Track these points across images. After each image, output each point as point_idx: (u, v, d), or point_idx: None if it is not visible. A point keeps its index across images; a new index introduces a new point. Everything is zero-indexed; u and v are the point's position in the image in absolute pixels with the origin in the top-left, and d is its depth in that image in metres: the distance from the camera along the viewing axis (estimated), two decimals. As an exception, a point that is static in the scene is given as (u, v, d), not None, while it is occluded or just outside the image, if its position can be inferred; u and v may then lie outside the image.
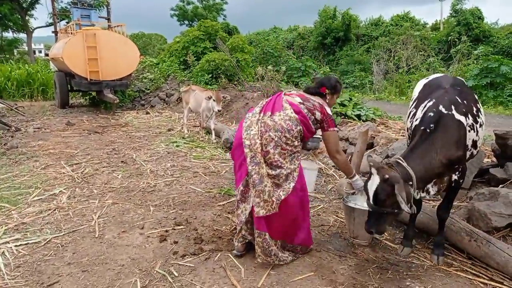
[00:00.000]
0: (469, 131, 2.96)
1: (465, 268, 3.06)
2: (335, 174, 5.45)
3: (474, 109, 3.10)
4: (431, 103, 3.05)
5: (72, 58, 10.52)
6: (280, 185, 3.00)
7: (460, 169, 2.94)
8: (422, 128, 2.91)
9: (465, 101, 3.06)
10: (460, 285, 2.85)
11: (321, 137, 3.45)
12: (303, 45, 28.45)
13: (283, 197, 2.98)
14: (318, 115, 3.12)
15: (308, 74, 17.76)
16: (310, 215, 3.41)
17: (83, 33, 10.62)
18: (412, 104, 3.44)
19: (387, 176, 2.65)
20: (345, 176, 3.41)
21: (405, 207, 2.57)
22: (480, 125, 3.11)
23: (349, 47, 26.02)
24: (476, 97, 3.36)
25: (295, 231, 3.18)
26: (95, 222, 3.83)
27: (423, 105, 3.13)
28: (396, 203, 2.65)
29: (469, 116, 2.99)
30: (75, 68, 10.61)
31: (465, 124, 2.91)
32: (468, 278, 2.93)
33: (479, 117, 3.11)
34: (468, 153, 3.05)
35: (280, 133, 2.99)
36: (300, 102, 3.15)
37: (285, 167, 3.00)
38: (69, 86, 12.02)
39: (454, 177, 2.96)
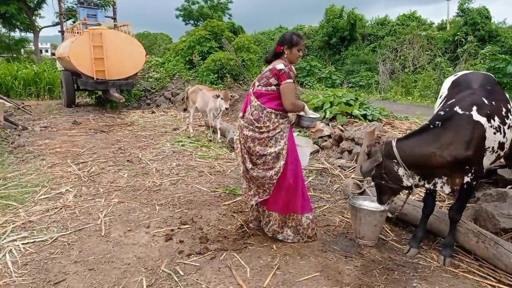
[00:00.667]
0: (494, 133, 2.94)
1: (472, 270, 3.03)
2: (340, 174, 5.43)
3: (504, 110, 3.08)
4: (450, 102, 3.04)
5: (79, 57, 10.58)
6: (272, 167, 3.30)
7: (473, 171, 2.91)
8: (427, 123, 3.04)
9: (493, 102, 3.04)
10: (467, 287, 2.82)
11: (316, 115, 3.56)
12: (309, 45, 28.35)
13: (275, 178, 3.30)
14: (273, 80, 3.28)
15: (313, 74, 17.71)
16: (305, 184, 3.70)
17: (89, 32, 10.68)
18: (439, 102, 3.46)
19: (368, 149, 3.14)
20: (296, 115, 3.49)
21: (366, 174, 3.12)
22: (509, 127, 3.08)
23: (354, 46, 25.89)
24: (507, 97, 3.33)
25: (293, 200, 3.40)
26: (101, 220, 3.85)
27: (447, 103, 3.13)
28: (380, 175, 3.09)
29: (495, 117, 2.97)
30: (81, 67, 10.66)
31: (485, 126, 2.88)
32: (476, 280, 2.91)
33: (508, 118, 3.08)
34: (493, 155, 3.04)
35: (250, 127, 3.29)
36: (257, 85, 3.34)
37: (268, 153, 3.27)
38: (75, 85, 12.08)
39: (467, 178, 2.93)
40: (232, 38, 14.85)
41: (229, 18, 36.07)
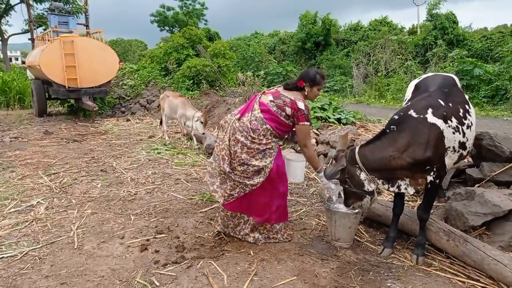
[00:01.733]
0: (453, 133, 3.05)
1: (444, 268, 3.11)
2: (316, 178, 5.48)
3: (461, 110, 3.20)
4: (405, 105, 3.16)
5: (50, 65, 10.35)
6: (250, 178, 3.32)
7: (434, 170, 3.01)
8: (383, 128, 3.17)
9: (450, 104, 3.15)
10: (439, 284, 2.90)
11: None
12: (284, 50, 28.64)
13: (250, 188, 3.35)
14: (288, 110, 3.29)
15: (289, 78, 17.89)
16: (286, 199, 3.67)
17: (60, 40, 10.46)
18: (404, 105, 3.55)
19: (336, 154, 3.32)
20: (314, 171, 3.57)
21: (325, 179, 3.33)
22: (468, 127, 3.20)
23: (329, 51, 26.32)
24: (466, 98, 3.46)
25: (267, 214, 3.46)
26: (74, 233, 3.75)
27: None
28: (345, 180, 3.23)
29: (452, 118, 3.07)
30: (53, 76, 10.43)
31: (441, 127, 2.98)
32: (447, 277, 2.99)
33: (466, 118, 3.20)
34: (455, 155, 3.15)
35: (245, 133, 3.27)
36: (271, 100, 3.34)
37: (251, 164, 3.28)
38: (46, 94, 11.82)
39: (429, 178, 3.02)
40: (208, 45, 14.84)
41: (204, 24, 36.07)
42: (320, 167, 3.46)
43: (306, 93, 3.40)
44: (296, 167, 3.68)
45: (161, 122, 8.50)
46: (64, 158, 6.72)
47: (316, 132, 6.69)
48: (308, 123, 3.32)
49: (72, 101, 12.25)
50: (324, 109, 7.27)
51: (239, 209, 3.51)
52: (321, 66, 24.87)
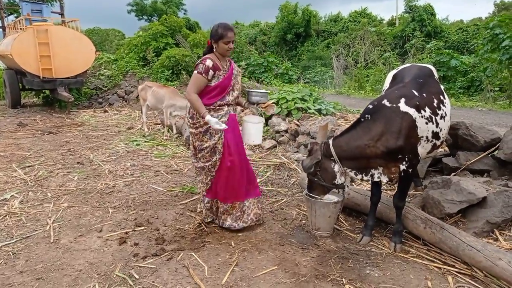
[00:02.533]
0: (426, 123, 3.08)
1: (421, 255, 3.18)
2: (297, 168, 5.51)
3: (435, 101, 3.24)
4: (380, 95, 3.18)
5: (23, 55, 10.01)
6: (209, 160, 3.48)
7: (406, 160, 3.05)
8: (359, 117, 3.19)
9: (424, 94, 3.18)
10: (416, 270, 2.96)
11: (265, 91, 3.73)
12: (265, 41, 28.51)
13: (213, 171, 3.50)
14: None
15: (271, 69, 17.84)
16: (253, 171, 3.85)
17: (34, 28, 10.12)
18: None
19: (310, 146, 3.32)
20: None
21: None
22: (442, 117, 3.24)
23: (310, 42, 26.36)
24: (442, 88, 3.51)
25: (235, 190, 3.53)
26: (50, 226, 3.66)
27: None
28: (315, 173, 3.25)
29: (426, 108, 3.11)
30: (26, 66, 10.10)
31: (414, 116, 3.02)
32: (424, 263, 3.05)
33: (440, 109, 3.24)
34: (429, 144, 3.19)
35: (188, 123, 3.52)
36: None
37: (205, 146, 3.45)
38: (20, 84, 11.43)
39: (402, 167, 3.07)
40: (188, 34, 14.61)
41: (184, 14, 35.48)
42: (203, 112, 3.30)
43: (216, 51, 3.39)
44: (251, 129, 3.70)
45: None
46: (39, 151, 6.53)
47: (297, 123, 6.71)
48: (196, 72, 3.31)
49: (47, 92, 11.91)
50: (305, 100, 7.28)
51: (215, 195, 3.62)
52: (302, 57, 24.90)
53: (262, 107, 3.74)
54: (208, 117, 3.25)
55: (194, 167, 3.72)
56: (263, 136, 6.85)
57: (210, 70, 3.32)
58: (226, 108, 3.48)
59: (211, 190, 3.61)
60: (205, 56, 3.40)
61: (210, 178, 3.57)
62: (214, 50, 3.39)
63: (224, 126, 3.25)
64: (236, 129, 3.57)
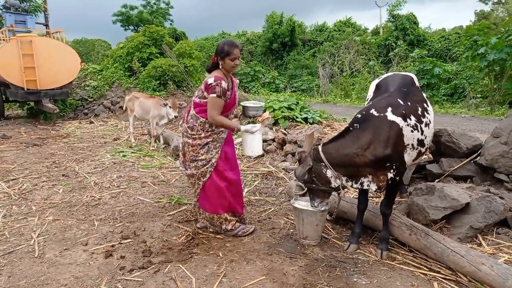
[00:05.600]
0: (411, 131, 3.14)
1: (407, 261, 3.21)
2: (285, 177, 5.53)
3: (419, 109, 3.31)
4: (367, 105, 3.24)
5: (6, 66, 9.92)
6: (202, 171, 3.52)
7: (394, 167, 3.10)
8: (347, 126, 3.23)
9: (408, 103, 3.25)
10: (403, 277, 2.99)
11: (260, 104, 3.79)
12: (252, 50, 28.72)
13: (203, 180, 3.54)
14: (206, 93, 3.39)
15: (258, 78, 17.96)
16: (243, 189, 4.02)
17: (17, 40, 10.04)
18: (366, 104, 3.63)
19: (299, 155, 3.34)
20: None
21: (299, 177, 3.27)
22: (426, 124, 3.31)
23: (296, 51, 26.62)
24: (424, 96, 3.59)
25: (218, 203, 3.59)
26: (35, 241, 3.59)
27: None
28: (311, 179, 3.25)
29: (411, 116, 3.17)
30: (10, 78, 9.99)
31: (401, 124, 3.07)
32: (410, 270, 3.09)
33: (424, 116, 3.31)
34: (414, 152, 3.24)
35: (186, 133, 3.51)
36: (196, 96, 3.53)
37: (200, 158, 3.48)
38: (3, 96, 11.28)
39: (390, 175, 3.12)
40: (173, 44, 14.62)
41: (170, 24, 35.50)
42: (237, 125, 3.47)
43: (222, 67, 3.42)
44: (252, 140, 3.75)
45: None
46: (23, 163, 6.43)
47: (284, 131, 6.75)
48: (214, 95, 3.31)
49: (32, 103, 11.75)
50: (291, 109, 7.35)
51: (203, 205, 3.71)
52: (289, 66, 25.12)
53: (258, 120, 3.77)
54: (243, 127, 3.48)
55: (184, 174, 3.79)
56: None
57: (227, 92, 3.39)
58: None
59: (199, 199, 3.71)
60: (217, 76, 3.36)
61: (198, 187, 3.62)
62: (220, 66, 3.41)
63: (258, 126, 3.50)
64: (232, 145, 3.72)
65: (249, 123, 3.77)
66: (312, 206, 3.39)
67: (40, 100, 10.43)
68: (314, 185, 3.30)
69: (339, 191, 3.36)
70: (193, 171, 3.55)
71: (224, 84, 3.33)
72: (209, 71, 3.50)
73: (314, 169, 3.24)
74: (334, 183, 3.24)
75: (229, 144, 3.64)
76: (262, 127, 3.73)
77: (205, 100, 3.40)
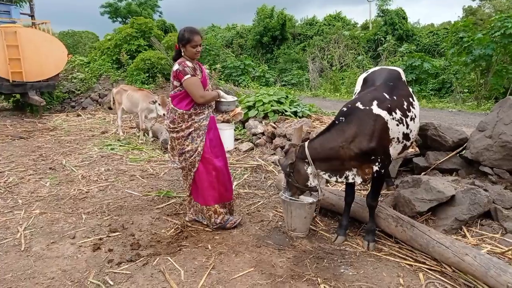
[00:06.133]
0: (397, 125, 3.17)
1: (393, 252, 3.27)
2: (274, 170, 5.55)
3: (405, 103, 3.34)
4: (353, 98, 3.27)
5: (-10, 58, 9.68)
6: (191, 162, 3.54)
7: (379, 161, 3.14)
8: (333, 120, 3.26)
9: (394, 97, 3.28)
10: (389, 268, 3.04)
11: (234, 99, 3.77)
12: (242, 44, 28.56)
13: (193, 171, 3.57)
14: (176, 82, 3.43)
15: (248, 72, 17.90)
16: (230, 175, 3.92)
17: (1, 30, 9.81)
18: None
19: (286, 147, 3.40)
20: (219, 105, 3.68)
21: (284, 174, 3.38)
22: (412, 119, 3.35)
23: (286, 45, 26.54)
24: (410, 91, 3.63)
25: (208, 193, 3.62)
26: (21, 234, 3.56)
27: None
28: (289, 174, 3.33)
29: (396, 110, 3.20)
30: (-6, 69, 9.76)
31: (386, 118, 3.10)
32: (397, 261, 3.14)
33: (410, 111, 3.35)
34: (399, 145, 3.29)
35: (169, 128, 3.54)
36: (171, 90, 3.53)
37: (187, 150, 3.50)
38: (-12, 88, 11.02)
39: (375, 168, 3.15)
40: (162, 36, 14.47)
41: (159, 16, 35.08)
42: (217, 92, 3.60)
43: (184, 55, 3.43)
44: (224, 135, 3.78)
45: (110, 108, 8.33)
46: (9, 156, 6.33)
47: (274, 125, 6.76)
48: (189, 76, 3.32)
49: (18, 96, 11.54)
50: (281, 103, 7.35)
51: (196, 197, 3.76)
52: (279, 60, 25.07)
53: (230, 115, 3.80)
54: (222, 93, 3.60)
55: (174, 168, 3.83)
56: (240, 138, 6.89)
57: (197, 71, 3.40)
58: (206, 111, 3.54)
59: (192, 191, 3.76)
60: (180, 60, 3.40)
61: (190, 178, 3.65)
62: (183, 54, 3.43)
63: (235, 99, 3.63)
64: (217, 131, 3.70)
65: (224, 117, 3.83)
66: (281, 195, 3.55)
67: (26, 92, 10.27)
68: (290, 180, 3.39)
69: (314, 191, 3.46)
70: (183, 164, 3.59)
71: (189, 63, 3.36)
72: (175, 59, 3.51)
73: (295, 165, 3.29)
74: (311, 182, 3.30)
75: (213, 130, 3.63)
76: (233, 122, 3.76)
77: (178, 89, 3.43)
